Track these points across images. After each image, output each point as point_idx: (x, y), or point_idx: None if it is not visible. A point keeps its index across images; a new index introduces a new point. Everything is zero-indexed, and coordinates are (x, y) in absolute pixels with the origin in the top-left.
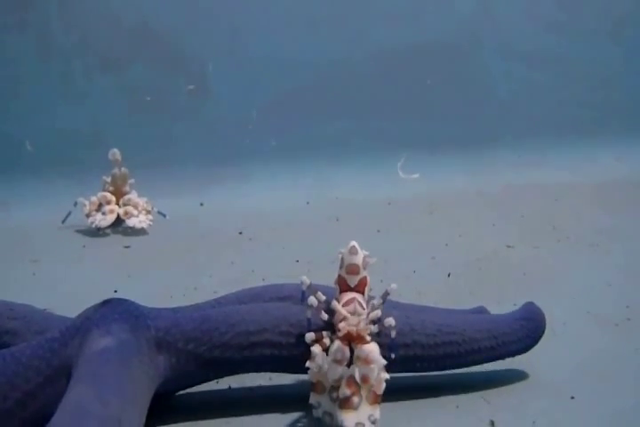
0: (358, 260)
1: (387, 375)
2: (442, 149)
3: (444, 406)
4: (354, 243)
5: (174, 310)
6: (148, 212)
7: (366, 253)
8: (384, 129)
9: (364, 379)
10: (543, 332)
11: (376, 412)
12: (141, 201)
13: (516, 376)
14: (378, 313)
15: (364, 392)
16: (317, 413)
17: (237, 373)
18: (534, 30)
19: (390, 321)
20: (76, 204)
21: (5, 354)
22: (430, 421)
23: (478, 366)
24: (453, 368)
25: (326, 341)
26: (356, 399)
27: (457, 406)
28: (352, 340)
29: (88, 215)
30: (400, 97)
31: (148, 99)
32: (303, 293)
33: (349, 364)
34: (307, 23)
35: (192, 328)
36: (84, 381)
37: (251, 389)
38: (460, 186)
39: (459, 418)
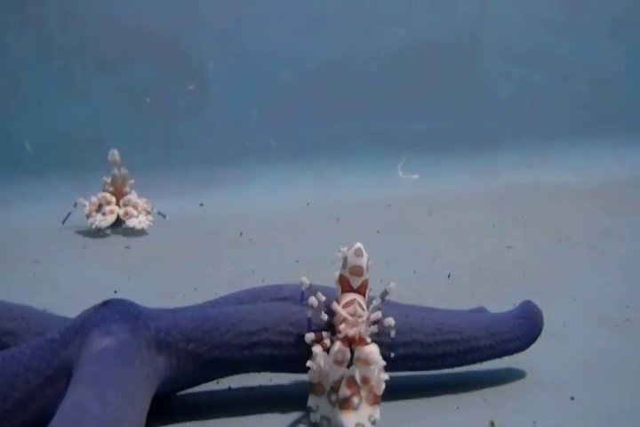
0: (363, 262)
1: (386, 376)
2: (442, 150)
3: (444, 407)
4: (359, 245)
5: (174, 311)
6: (148, 212)
7: (366, 255)
8: (384, 130)
9: (365, 380)
10: (541, 330)
11: (376, 412)
12: (141, 202)
13: (516, 377)
14: (378, 315)
15: (363, 393)
16: (315, 417)
17: (238, 373)
18: (534, 31)
19: (390, 321)
20: (75, 204)
21: (5, 355)
22: (430, 421)
23: (478, 367)
24: (453, 367)
25: (327, 341)
26: (356, 400)
27: (457, 407)
28: (352, 341)
29: (88, 216)
30: (400, 98)
31: (148, 100)
32: (302, 293)
33: (349, 364)
34: (307, 24)
35: (192, 328)
36: (85, 381)
37: (251, 389)
38: (460, 187)
39: (459, 418)
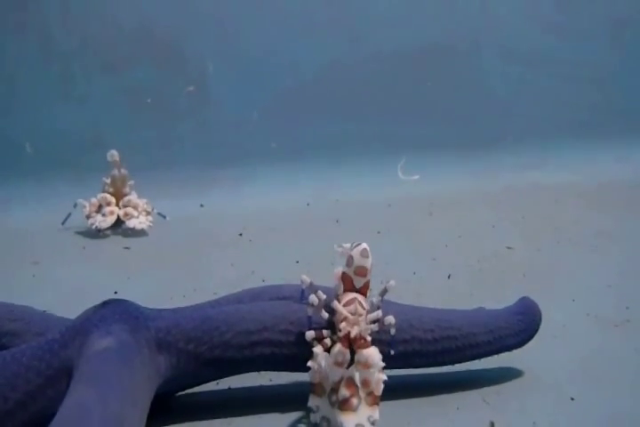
0: (368, 263)
1: (384, 377)
2: (442, 151)
3: (444, 407)
4: (366, 246)
5: (174, 311)
6: (148, 213)
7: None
8: (384, 131)
9: (365, 383)
10: (539, 326)
11: (375, 413)
12: (141, 202)
13: (516, 377)
14: (379, 313)
15: (362, 394)
16: (315, 418)
17: (238, 372)
18: (533, 32)
19: (390, 319)
20: (75, 205)
21: (5, 355)
22: (430, 422)
23: (478, 367)
24: (452, 363)
25: (327, 341)
26: (355, 401)
27: (457, 408)
28: (353, 340)
29: (88, 217)
30: (400, 99)
31: (149, 101)
32: (302, 291)
33: (349, 365)
34: (306, 25)
35: (192, 328)
36: (86, 381)
37: (251, 389)
38: (460, 187)
39: (459, 419)
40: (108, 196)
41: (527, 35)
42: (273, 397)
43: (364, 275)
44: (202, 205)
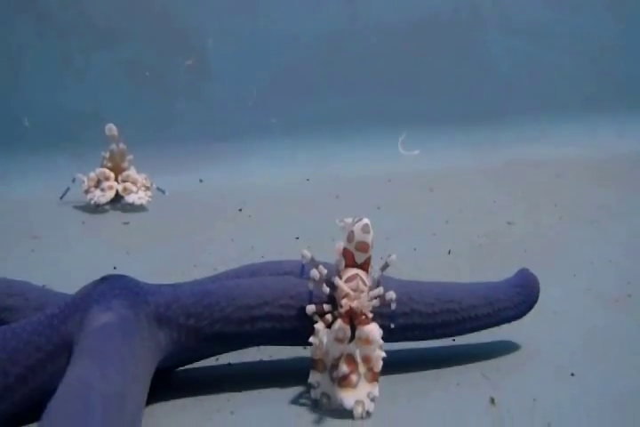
0: (369, 238)
1: (383, 354)
2: (442, 126)
3: (445, 384)
4: (367, 221)
5: (174, 286)
6: (147, 188)
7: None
8: (384, 106)
9: (365, 359)
10: (537, 297)
11: (375, 389)
12: (140, 177)
13: (517, 353)
14: (380, 290)
15: (362, 370)
16: (316, 393)
17: (239, 347)
18: (536, 5)
19: (391, 295)
20: (74, 180)
21: (6, 330)
22: (431, 398)
23: (478, 343)
24: (452, 336)
25: (328, 317)
26: (354, 377)
27: (457, 384)
28: (354, 316)
29: (87, 192)
30: (400, 73)
31: (147, 75)
32: (302, 266)
33: (350, 341)
34: (306, 0)
35: (192, 303)
36: (87, 356)
37: (251, 365)
38: (460, 162)
39: (459, 395)
40: (106, 171)
41: (529, 8)
42: (273, 373)
43: (366, 250)
44: (201, 181)
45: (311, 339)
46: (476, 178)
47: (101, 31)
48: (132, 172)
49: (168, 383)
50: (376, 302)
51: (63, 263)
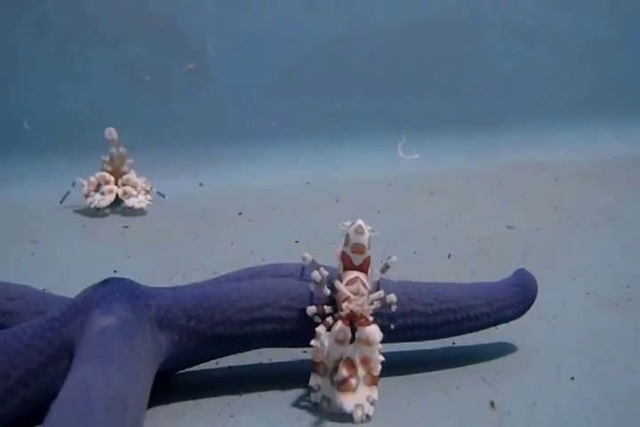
0: (364, 239)
1: (382, 357)
2: (442, 129)
3: (445, 387)
4: (360, 222)
5: (174, 289)
6: (147, 192)
7: (369, 228)
8: (385, 109)
9: (364, 360)
10: (535, 296)
11: (374, 393)
12: (140, 181)
13: (516, 357)
14: (381, 293)
15: (361, 374)
16: (316, 397)
17: (240, 350)
18: (535, 8)
19: (392, 297)
20: (74, 184)
21: (6, 333)
22: (430, 401)
23: (478, 347)
24: (451, 335)
25: (329, 320)
26: (353, 381)
27: (457, 387)
28: (354, 319)
29: (87, 195)
30: (400, 76)
31: (147, 78)
32: (302, 268)
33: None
34: (307, 2)
35: (193, 306)
36: (89, 359)
37: (251, 369)
38: (460, 166)
39: (459, 399)
40: (106, 174)
41: (529, 12)
42: (273, 376)
43: (362, 252)
44: (201, 184)
45: (312, 342)
46: (476, 182)
47: (101, 34)
48: (131, 175)
49: (168, 387)
50: (377, 304)
51: (63, 267)
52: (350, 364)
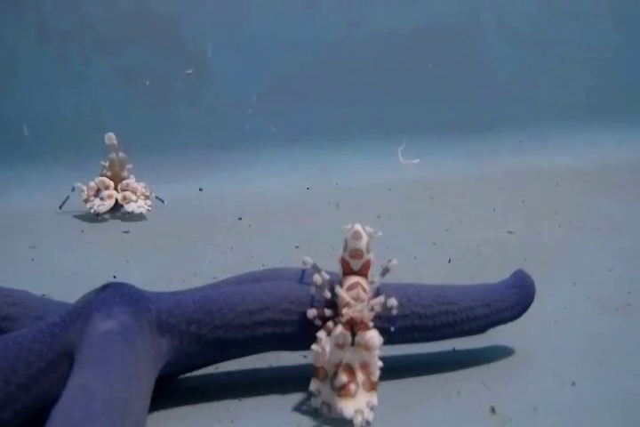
0: (362, 244)
1: (380, 363)
2: (442, 135)
3: (445, 392)
4: (358, 227)
5: (174, 294)
6: (147, 197)
7: (370, 230)
8: (385, 114)
9: (364, 365)
10: (533, 298)
11: (374, 398)
12: (140, 186)
13: (517, 362)
14: (381, 299)
15: (360, 380)
16: (316, 402)
17: (240, 354)
18: (536, 14)
19: (392, 302)
20: (73, 189)
21: (7, 339)
22: (431, 406)
23: (478, 352)
24: (451, 337)
25: (330, 324)
26: (353, 387)
27: (458, 392)
28: (354, 325)
29: (86, 201)
30: (400, 82)
31: (147, 83)
32: (303, 272)
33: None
34: (307, 7)
35: (194, 310)
36: (89, 364)
37: (250, 374)
38: (460, 171)
39: (459, 404)
40: (106, 179)
41: (529, 17)
42: (273, 381)
43: (360, 257)
44: (201, 189)
45: (313, 346)
46: (476, 187)
47: (100, 38)
48: (131, 180)
49: (168, 392)
50: (378, 309)
51: (63, 272)
52: (349, 369)
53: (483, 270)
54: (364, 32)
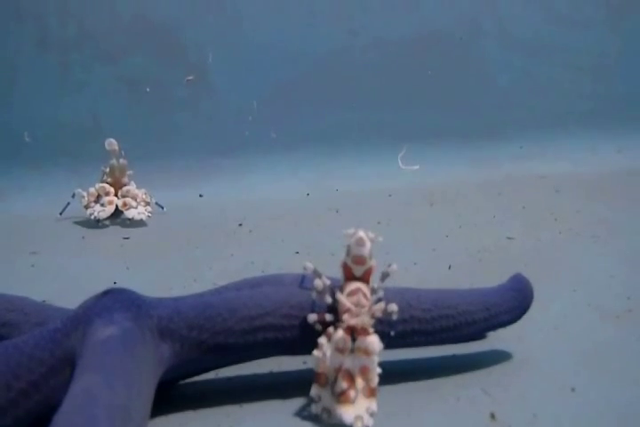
0: (365, 251)
1: (379, 369)
2: (442, 141)
3: (445, 399)
4: (361, 234)
5: (175, 299)
6: (147, 203)
7: (372, 235)
8: (384, 120)
9: (363, 369)
10: (532, 301)
11: (373, 404)
12: (140, 192)
13: (517, 369)
14: (382, 305)
15: (359, 386)
16: (317, 408)
17: (241, 359)
18: (535, 20)
19: (393, 307)
20: (74, 195)
21: (8, 345)
22: (430, 413)
23: (478, 358)
24: (450, 342)
25: (331, 330)
26: (352, 393)
27: (457, 399)
28: (355, 331)
29: (87, 207)
30: (400, 88)
31: (148, 90)
32: (303, 277)
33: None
34: (307, 13)
35: (194, 315)
36: (91, 369)
37: (251, 380)
38: (460, 177)
39: (459, 410)
40: (106, 186)
41: (528, 23)
42: (273, 387)
43: (363, 263)
44: (201, 195)
45: (315, 352)
46: (476, 193)
47: (101, 46)
48: (131, 187)
49: (169, 397)
50: (378, 314)
51: (63, 278)
52: (349, 375)
53: (483, 276)
54: (363, 39)
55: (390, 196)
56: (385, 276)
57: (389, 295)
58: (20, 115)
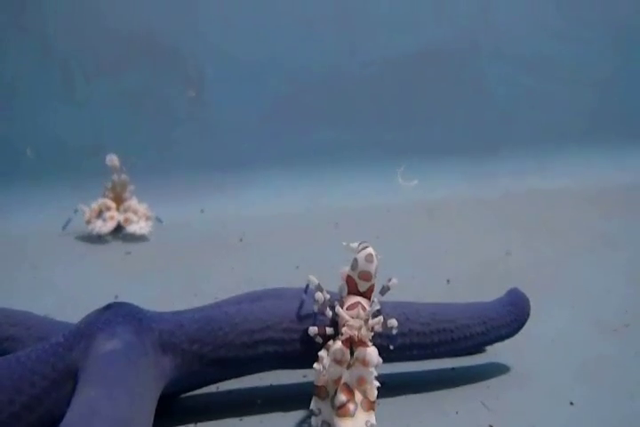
0: (373, 268)
1: (377, 383)
2: (441, 157)
3: (444, 411)
4: (371, 250)
5: (176, 313)
6: (149, 218)
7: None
8: (384, 136)
9: (360, 380)
10: (528, 315)
11: (372, 418)
12: (141, 207)
13: (516, 382)
14: (381, 319)
15: (358, 399)
16: (317, 422)
17: (242, 373)
18: (534, 37)
19: (392, 322)
20: (76, 211)
21: (11, 359)
22: (429, 426)
23: (476, 371)
24: (448, 355)
25: (331, 343)
26: (351, 406)
27: (456, 412)
28: (354, 344)
29: (88, 222)
30: (399, 104)
31: (149, 104)
32: (304, 290)
33: (349, 365)
34: (306, 29)
35: (196, 329)
36: (94, 383)
37: (252, 394)
38: (459, 193)
39: (458, 424)
40: (108, 201)
41: (527, 40)
42: (273, 400)
43: (369, 279)
44: (202, 211)
45: (315, 365)
46: (475, 208)
47: (102, 61)
48: (133, 202)
49: (170, 411)
50: (378, 329)
51: (65, 293)
52: (348, 389)
53: (481, 291)
54: (363, 55)
55: (389, 211)
56: (385, 290)
57: (388, 309)
58: (21, 130)
